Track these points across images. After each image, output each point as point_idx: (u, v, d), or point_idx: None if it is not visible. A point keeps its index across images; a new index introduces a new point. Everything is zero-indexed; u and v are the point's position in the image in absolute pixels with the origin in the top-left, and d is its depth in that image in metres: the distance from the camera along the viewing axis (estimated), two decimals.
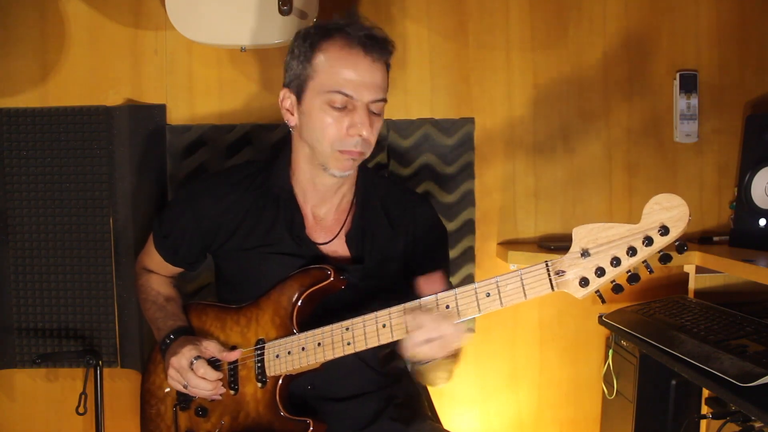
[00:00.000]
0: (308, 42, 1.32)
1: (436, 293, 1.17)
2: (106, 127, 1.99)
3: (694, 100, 2.09)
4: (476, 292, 1.14)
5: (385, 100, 1.34)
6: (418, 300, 1.18)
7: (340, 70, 1.29)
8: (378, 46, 1.30)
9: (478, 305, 1.14)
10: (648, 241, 1.02)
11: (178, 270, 1.57)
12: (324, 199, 1.44)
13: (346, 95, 1.29)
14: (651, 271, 1.08)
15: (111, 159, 2.00)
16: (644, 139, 2.13)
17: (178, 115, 2.03)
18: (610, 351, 1.99)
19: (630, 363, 1.89)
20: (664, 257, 1.04)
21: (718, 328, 1.64)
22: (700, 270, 1.95)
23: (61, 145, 2.00)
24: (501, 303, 1.13)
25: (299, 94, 1.34)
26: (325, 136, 1.31)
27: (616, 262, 1.05)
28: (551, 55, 2.10)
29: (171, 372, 1.33)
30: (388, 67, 1.35)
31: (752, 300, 1.91)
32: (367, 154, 1.36)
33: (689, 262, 1.94)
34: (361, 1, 2.04)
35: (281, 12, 1.67)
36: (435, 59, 2.07)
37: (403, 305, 1.19)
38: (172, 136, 2.00)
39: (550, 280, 1.09)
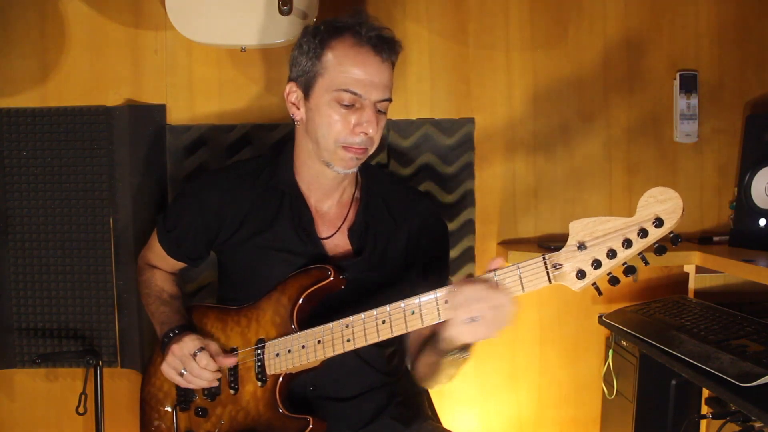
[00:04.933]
0: (318, 39, 1.33)
1: (435, 290, 1.17)
2: (106, 127, 1.99)
3: (694, 100, 2.09)
4: None
5: (390, 100, 1.36)
6: (417, 296, 1.18)
7: (350, 68, 1.30)
8: (387, 47, 1.33)
9: None
10: (643, 233, 1.03)
11: (180, 265, 1.58)
12: (327, 194, 1.45)
13: (355, 94, 1.30)
14: (646, 263, 1.09)
15: (111, 159, 2.00)
16: (644, 139, 2.13)
17: (178, 115, 2.03)
18: (610, 351, 1.99)
19: (630, 363, 1.89)
20: (660, 249, 1.06)
21: (718, 328, 1.64)
22: (700, 270, 1.95)
23: (61, 145, 1.99)
24: None
25: (307, 90, 1.35)
26: (330, 132, 1.32)
27: (612, 254, 1.06)
28: (551, 55, 2.10)
29: (170, 358, 1.33)
30: (393, 67, 1.37)
31: (752, 300, 1.91)
32: (371, 152, 1.37)
33: (689, 262, 1.94)
34: (360, 2, 2.04)
35: (281, 12, 1.67)
36: (435, 59, 2.08)
37: (402, 301, 1.19)
38: (172, 136, 2.00)
39: (548, 273, 1.09)
